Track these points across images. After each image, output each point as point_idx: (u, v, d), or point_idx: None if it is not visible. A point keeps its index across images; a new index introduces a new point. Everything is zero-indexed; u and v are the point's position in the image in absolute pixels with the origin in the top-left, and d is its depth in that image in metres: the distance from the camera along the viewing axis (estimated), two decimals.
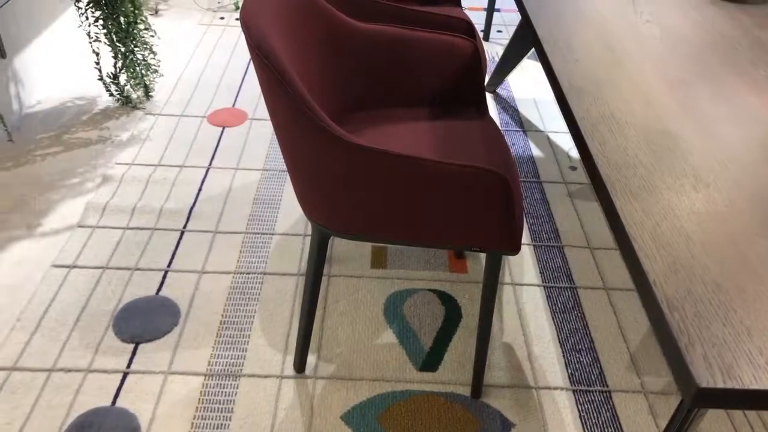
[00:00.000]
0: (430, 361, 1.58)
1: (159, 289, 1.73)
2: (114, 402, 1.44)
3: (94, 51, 2.36)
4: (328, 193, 1.24)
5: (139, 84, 2.50)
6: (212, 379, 1.51)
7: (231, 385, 1.50)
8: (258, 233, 1.94)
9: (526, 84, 2.85)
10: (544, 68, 1.46)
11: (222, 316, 1.67)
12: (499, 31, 3.36)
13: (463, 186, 1.19)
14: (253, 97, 2.62)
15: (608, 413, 1.49)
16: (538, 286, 1.82)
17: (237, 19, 3.32)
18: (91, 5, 2.26)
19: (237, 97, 2.62)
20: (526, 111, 2.64)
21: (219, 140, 2.35)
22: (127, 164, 2.19)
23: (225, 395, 1.47)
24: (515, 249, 1.28)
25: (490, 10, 3.19)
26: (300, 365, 1.53)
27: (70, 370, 1.51)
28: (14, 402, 1.43)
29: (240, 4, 3.48)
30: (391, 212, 1.24)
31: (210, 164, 2.22)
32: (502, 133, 1.55)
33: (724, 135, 1.18)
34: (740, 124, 1.22)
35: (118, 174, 2.14)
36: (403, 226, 1.26)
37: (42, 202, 2.01)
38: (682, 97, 1.29)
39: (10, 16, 2.28)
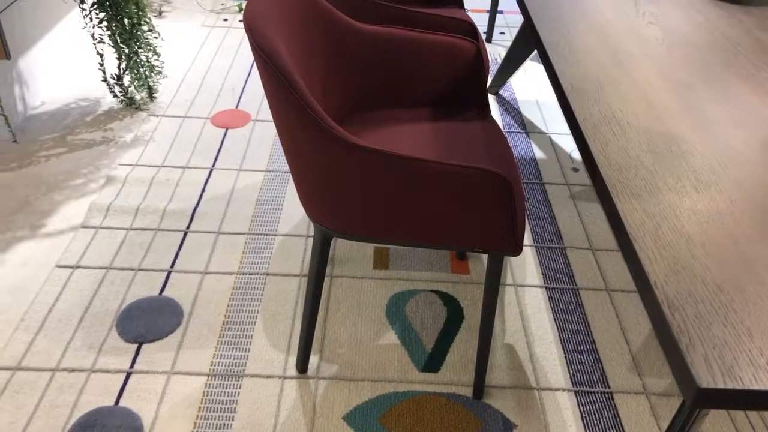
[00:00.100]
0: (432, 362, 1.58)
1: (162, 290, 1.74)
2: (117, 402, 1.45)
3: (98, 52, 2.37)
4: (330, 194, 1.25)
5: (142, 85, 2.51)
6: (215, 379, 1.51)
7: (234, 385, 1.50)
8: (261, 234, 1.94)
9: (529, 85, 2.86)
10: (546, 70, 1.46)
11: (225, 316, 1.67)
12: (501, 33, 3.37)
13: (466, 187, 1.19)
14: (256, 99, 2.63)
15: (610, 414, 1.49)
16: (540, 287, 1.82)
17: (240, 21, 3.33)
18: (95, 7, 2.27)
19: (240, 98, 2.63)
20: (529, 112, 2.65)
21: (222, 141, 2.36)
22: (130, 165, 2.20)
23: (228, 395, 1.48)
24: (517, 250, 1.28)
25: (493, 11, 3.20)
26: (302, 366, 1.53)
27: (73, 370, 1.51)
28: (18, 402, 1.44)
29: (243, 6, 3.49)
30: (393, 213, 1.24)
31: (213, 165, 2.23)
32: (504, 135, 1.55)
33: (725, 136, 1.18)
34: (741, 125, 1.22)
35: (121, 175, 2.15)
36: (405, 227, 1.27)
37: (46, 202, 2.02)
38: (684, 98, 1.30)
39: (15, 17, 2.30)
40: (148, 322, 1.64)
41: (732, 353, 0.77)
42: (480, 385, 1.49)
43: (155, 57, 2.50)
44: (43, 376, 1.49)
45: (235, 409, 1.45)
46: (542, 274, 1.87)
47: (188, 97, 2.61)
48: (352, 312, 1.71)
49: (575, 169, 2.32)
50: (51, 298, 1.69)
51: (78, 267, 1.79)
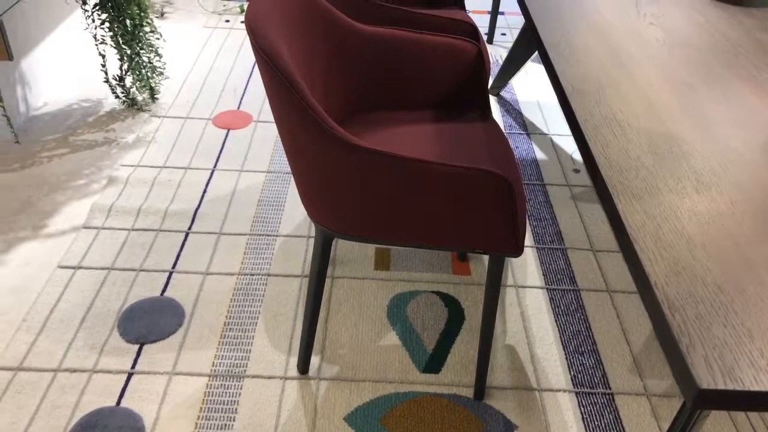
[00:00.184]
0: (433, 363, 1.59)
1: (164, 290, 1.74)
2: (119, 402, 1.45)
3: (100, 53, 2.37)
4: (331, 194, 1.25)
5: (144, 86, 2.52)
6: (216, 380, 1.51)
7: (235, 385, 1.50)
8: (262, 235, 1.95)
9: (530, 87, 2.86)
10: (547, 71, 1.46)
11: (226, 317, 1.67)
12: (503, 34, 3.37)
13: (467, 188, 1.19)
14: (257, 100, 2.64)
15: (611, 415, 1.49)
16: (541, 288, 1.82)
17: (242, 22, 3.34)
18: (97, 8, 2.27)
19: (242, 99, 2.63)
20: (530, 114, 2.65)
21: (224, 142, 2.36)
22: (132, 166, 2.21)
23: (229, 396, 1.48)
24: (518, 251, 1.28)
25: (494, 13, 3.20)
26: (303, 366, 1.53)
27: (75, 371, 1.52)
28: (20, 402, 1.44)
29: (245, 7, 3.49)
30: (394, 214, 1.25)
31: (215, 166, 2.23)
32: (505, 136, 1.55)
33: (726, 137, 1.18)
34: (742, 126, 1.22)
35: (123, 176, 2.16)
36: (406, 228, 1.27)
37: (48, 203, 2.03)
38: (685, 99, 1.30)
39: (18, 18, 2.30)
40: (149, 322, 1.64)
41: (732, 354, 0.77)
42: (481, 386, 1.49)
43: (157, 58, 2.51)
44: (44, 377, 1.50)
45: (236, 409, 1.45)
46: (543, 275, 1.87)
47: (190, 98, 2.62)
48: (353, 313, 1.71)
49: (576, 170, 2.32)
50: (53, 298, 1.69)
51: (80, 267, 1.79)
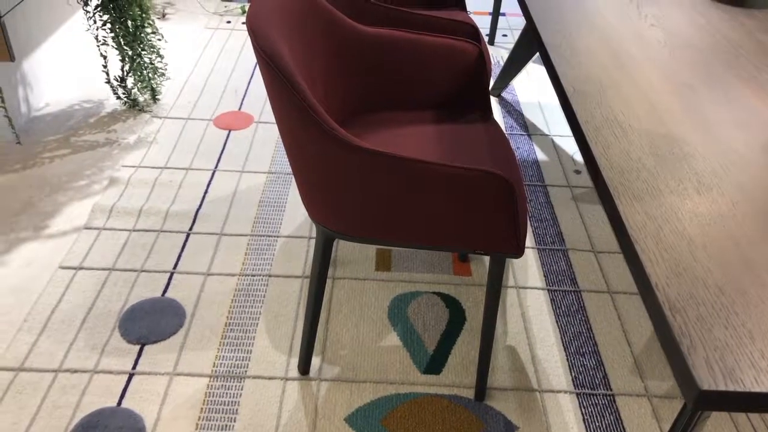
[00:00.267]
0: (433, 364, 1.59)
1: (165, 291, 1.74)
2: (119, 403, 1.45)
3: (101, 54, 2.38)
4: (332, 195, 1.25)
5: (146, 87, 2.52)
6: (217, 381, 1.52)
7: (236, 386, 1.51)
8: (263, 235, 1.95)
9: (531, 88, 2.86)
10: (548, 72, 1.46)
11: (227, 317, 1.68)
12: (504, 35, 3.37)
13: (468, 189, 1.19)
14: (259, 101, 2.64)
15: (612, 416, 1.49)
16: (542, 289, 1.82)
17: (243, 23, 3.34)
18: (99, 9, 2.28)
19: (243, 100, 2.64)
20: (531, 115, 2.65)
21: (225, 143, 2.36)
22: (133, 167, 2.21)
23: (230, 396, 1.48)
24: (519, 252, 1.28)
25: (496, 14, 3.20)
26: (304, 367, 1.54)
27: (76, 371, 1.52)
28: (21, 402, 1.44)
29: (246, 8, 3.50)
30: (395, 215, 1.25)
31: (216, 167, 2.24)
32: (506, 137, 1.55)
33: (727, 138, 1.18)
34: (743, 127, 1.22)
35: (124, 176, 2.16)
36: (407, 229, 1.27)
37: (49, 204, 2.03)
38: (686, 100, 1.30)
39: (20, 19, 2.30)
40: (150, 323, 1.64)
41: (733, 355, 0.77)
42: (482, 387, 1.49)
43: (158, 59, 2.51)
44: (45, 377, 1.50)
45: (237, 410, 1.45)
46: (544, 276, 1.87)
47: (191, 99, 2.62)
48: (354, 314, 1.71)
49: (577, 172, 2.32)
50: (54, 299, 1.70)
51: (81, 268, 1.79)
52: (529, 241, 1.99)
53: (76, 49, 2.80)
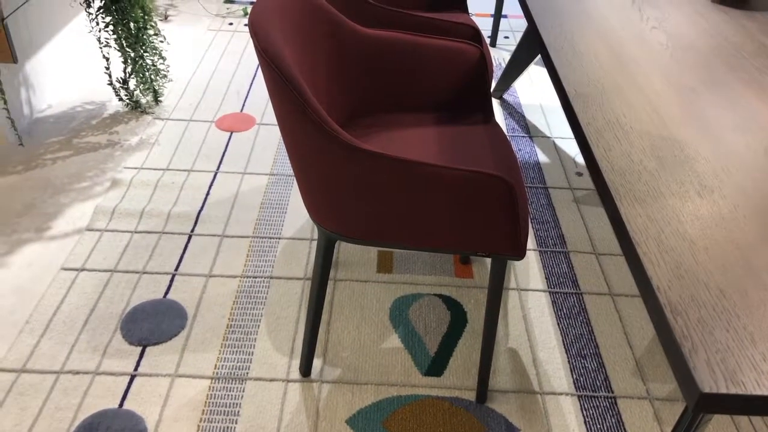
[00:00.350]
0: (435, 366, 1.59)
1: (166, 293, 1.74)
2: (121, 404, 1.45)
3: (104, 56, 2.38)
4: (334, 197, 1.25)
5: (148, 89, 2.52)
6: (219, 382, 1.52)
7: (237, 388, 1.51)
8: (265, 237, 1.95)
9: (533, 90, 2.86)
10: (549, 74, 1.47)
11: (229, 319, 1.68)
12: (506, 37, 3.37)
13: (469, 191, 1.19)
14: (261, 103, 2.64)
15: (613, 419, 1.49)
16: (544, 291, 1.82)
17: (245, 25, 3.34)
18: (101, 11, 2.28)
19: (245, 102, 2.64)
20: (533, 117, 2.65)
21: (227, 145, 2.37)
22: (135, 168, 2.21)
23: (231, 398, 1.48)
24: (520, 254, 1.28)
25: (497, 16, 3.20)
26: (306, 369, 1.54)
27: (78, 373, 1.52)
28: (22, 404, 1.44)
29: (248, 10, 3.50)
30: (396, 217, 1.25)
31: (218, 169, 2.24)
32: (508, 139, 1.55)
33: (729, 141, 1.18)
34: (745, 130, 1.22)
35: (126, 178, 2.16)
36: (408, 231, 1.27)
37: (51, 205, 2.03)
38: (688, 103, 1.30)
39: (22, 21, 2.31)
40: (152, 325, 1.65)
41: (735, 358, 0.77)
42: (483, 390, 1.49)
43: (161, 61, 2.51)
44: (47, 379, 1.50)
45: (238, 412, 1.45)
46: (545, 278, 1.87)
47: (193, 101, 2.63)
48: (355, 315, 1.71)
49: (579, 174, 2.32)
50: (56, 300, 1.70)
51: (83, 270, 1.80)
52: (531, 243, 1.99)
53: (78, 51, 2.81)
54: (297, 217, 2.04)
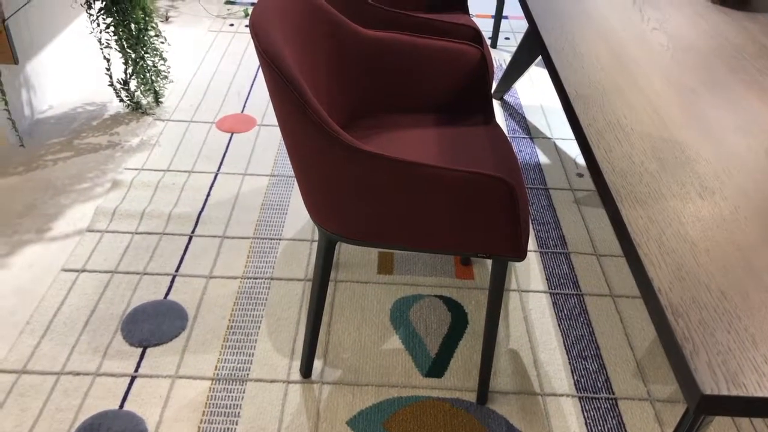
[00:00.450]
0: (436, 367, 1.58)
1: (167, 294, 1.74)
2: (122, 405, 1.45)
3: (104, 57, 2.38)
4: (334, 198, 1.25)
5: (149, 90, 2.52)
6: (219, 384, 1.52)
7: (238, 389, 1.51)
8: (265, 238, 1.95)
9: (534, 91, 2.86)
10: (550, 75, 1.46)
11: (229, 320, 1.68)
12: (506, 38, 3.37)
13: (470, 192, 1.19)
14: (261, 104, 2.64)
15: (614, 420, 1.49)
16: (545, 292, 1.82)
17: (246, 26, 3.34)
18: (102, 12, 2.28)
19: (246, 103, 2.64)
20: (533, 118, 2.65)
21: (227, 146, 2.37)
22: (136, 169, 2.21)
23: (232, 399, 1.48)
24: (521, 255, 1.28)
25: (498, 17, 3.20)
26: (306, 370, 1.53)
27: (78, 374, 1.52)
28: (23, 405, 1.44)
29: (249, 11, 3.51)
30: (397, 218, 1.25)
31: (218, 170, 2.24)
32: (508, 140, 1.55)
33: (730, 143, 1.18)
34: (746, 131, 1.22)
35: (127, 179, 2.16)
36: (409, 232, 1.27)
37: (52, 206, 2.03)
38: (689, 104, 1.30)
39: (23, 22, 2.31)
40: (152, 326, 1.65)
41: (736, 360, 0.77)
42: (484, 391, 1.49)
43: (161, 62, 2.51)
44: (48, 380, 1.50)
45: (239, 413, 1.45)
46: (546, 279, 1.86)
47: (194, 102, 2.63)
48: (356, 317, 1.71)
49: (580, 175, 2.32)
50: (57, 301, 1.70)
51: (83, 271, 1.80)
52: (532, 244, 1.99)
53: (79, 52, 2.81)
54: (297, 218, 2.04)
